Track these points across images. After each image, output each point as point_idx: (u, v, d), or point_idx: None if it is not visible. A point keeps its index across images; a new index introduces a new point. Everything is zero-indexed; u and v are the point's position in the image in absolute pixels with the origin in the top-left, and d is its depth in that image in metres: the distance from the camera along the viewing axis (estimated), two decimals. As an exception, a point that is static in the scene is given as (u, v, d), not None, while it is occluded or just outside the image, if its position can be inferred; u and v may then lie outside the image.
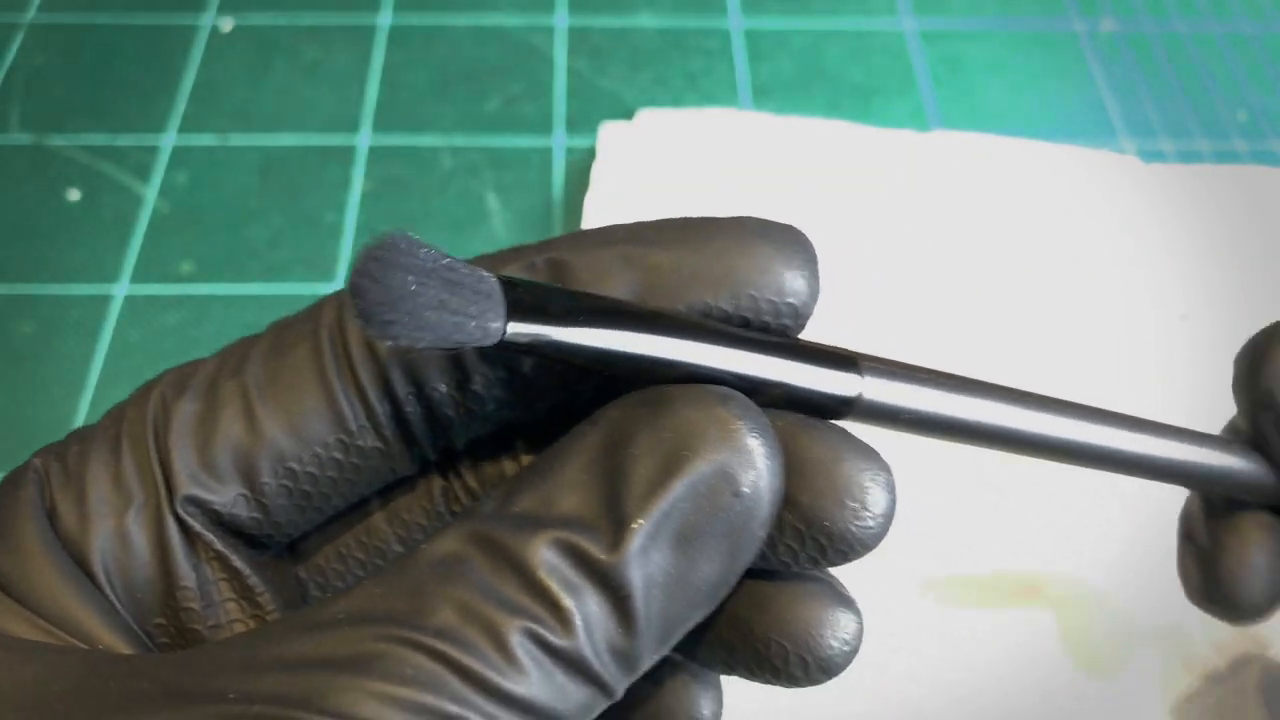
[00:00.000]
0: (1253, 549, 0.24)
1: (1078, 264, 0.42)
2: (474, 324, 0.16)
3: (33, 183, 0.45)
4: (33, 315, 0.41)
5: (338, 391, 0.18)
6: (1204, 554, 0.25)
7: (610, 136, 0.46)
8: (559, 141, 0.47)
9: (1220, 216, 0.44)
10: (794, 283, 0.19)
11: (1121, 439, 0.22)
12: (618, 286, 0.18)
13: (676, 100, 0.48)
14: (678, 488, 0.16)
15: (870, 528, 0.18)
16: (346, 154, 0.46)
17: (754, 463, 0.17)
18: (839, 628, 0.19)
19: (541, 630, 0.16)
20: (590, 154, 0.46)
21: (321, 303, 0.19)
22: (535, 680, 0.16)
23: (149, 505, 0.18)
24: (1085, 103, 0.50)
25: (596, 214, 0.43)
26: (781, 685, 0.19)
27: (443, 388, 0.19)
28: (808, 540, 0.18)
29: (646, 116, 0.46)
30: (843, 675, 0.19)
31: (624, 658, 0.16)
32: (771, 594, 0.19)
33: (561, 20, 0.52)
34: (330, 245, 0.43)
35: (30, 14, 0.52)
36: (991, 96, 0.50)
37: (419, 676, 0.15)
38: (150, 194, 0.45)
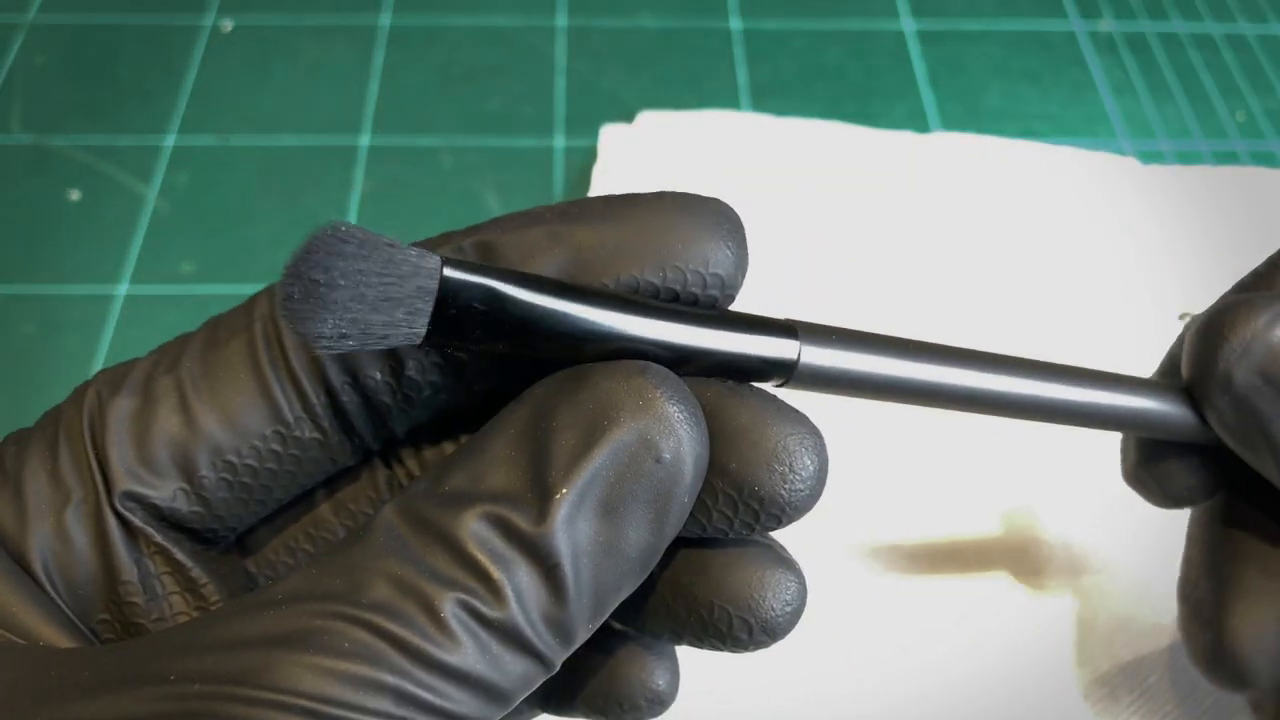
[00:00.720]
0: (1188, 456, 0.27)
1: (1077, 264, 0.42)
2: (400, 330, 0.17)
3: (34, 183, 0.45)
4: (34, 315, 0.41)
5: (273, 383, 0.19)
6: (1146, 444, 0.27)
7: (611, 138, 0.46)
8: (559, 142, 0.47)
9: (1219, 217, 0.44)
10: (718, 253, 0.19)
11: (1059, 390, 0.23)
12: (545, 265, 0.19)
13: (676, 100, 0.48)
14: (599, 457, 0.17)
15: (800, 490, 0.18)
16: (347, 154, 0.46)
17: (673, 429, 0.17)
18: (780, 589, 0.19)
19: (474, 601, 0.16)
20: (590, 154, 0.46)
21: (256, 297, 0.20)
22: (470, 650, 0.16)
23: (87, 502, 0.18)
24: (1084, 103, 0.50)
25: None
26: (728, 650, 0.19)
27: (378, 375, 0.19)
28: (740, 506, 0.18)
29: (647, 118, 0.46)
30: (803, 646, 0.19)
31: (558, 627, 0.17)
32: (712, 560, 0.19)
33: (562, 21, 0.52)
34: (331, 245, 0.43)
35: (31, 14, 0.52)
36: (991, 97, 0.50)
37: (356, 649, 0.15)
38: (151, 194, 0.45)
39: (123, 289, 0.42)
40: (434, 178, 0.46)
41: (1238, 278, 0.28)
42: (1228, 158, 0.48)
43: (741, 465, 0.18)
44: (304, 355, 0.19)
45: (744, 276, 0.19)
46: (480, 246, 0.19)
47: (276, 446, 0.19)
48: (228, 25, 0.52)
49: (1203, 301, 0.27)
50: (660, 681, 0.21)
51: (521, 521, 0.16)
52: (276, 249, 0.43)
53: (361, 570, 0.16)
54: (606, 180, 0.44)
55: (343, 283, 0.16)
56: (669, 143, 0.45)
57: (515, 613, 0.16)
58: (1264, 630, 0.26)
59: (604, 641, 0.21)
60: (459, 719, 0.16)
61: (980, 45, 0.52)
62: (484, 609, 0.16)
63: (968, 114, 0.49)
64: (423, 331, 0.17)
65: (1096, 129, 0.48)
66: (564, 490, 0.17)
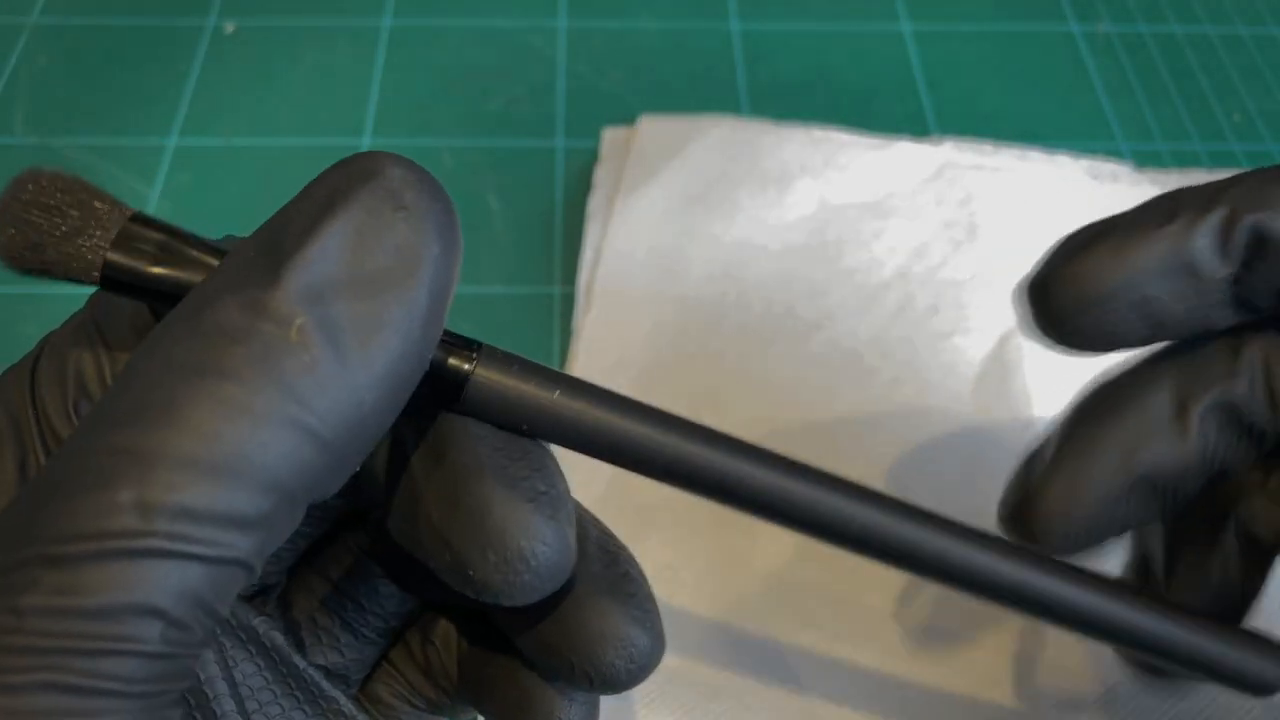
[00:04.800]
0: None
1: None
2: (79, 262, 0.18)
3: (36, 184, 0.45)
4: (34, 315, 0.41)
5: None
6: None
7: (612, 141, 0.46)
8: (559, 143, 0.47)
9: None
10: None
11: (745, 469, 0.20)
12: None
13: (677, 101, 0.49)
14: (338, 217, 0.16)
15: (514, 583, 0.17)
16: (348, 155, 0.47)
17: (412, 181, 0.17)
18: (623, 647, 0.19)
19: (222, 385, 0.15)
20: (590, 155, 0.46)
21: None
22: (206, 431, 0.15)
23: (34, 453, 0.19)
24: (1082, 104, 0.50)
25: (599, 216, 0.43)
26: (579, 691, 0.20)
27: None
28: (458, 578, 0.18)
29: (648, 122, 0.46)
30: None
31: (325, 392, 0.16)
32: (567, 606, 0.19)
33: (562, 22, 0.53)
34: (333, 246, 0.43)
35: (34, 16, 0.52)
36: (988, 98, 0.50)
37: (82, 472, 0.15)
38: (154, 195, 0.45)
39: (126, 289, 0.42)
40: (435, 178, 0.46)
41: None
42: (1224, 158, 0.48)
43: (460, 544, 0.17)
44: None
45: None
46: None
47: None
48: (230, 27, 0.52)
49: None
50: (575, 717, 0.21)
51: (255, 289, 0.16)
52: (279, 249, 0.43)
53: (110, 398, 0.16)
54: (609, 183, 0.44)
55: (45, 204, 0.18)
56: (670, 146, 0.45)
57: (257, 380, 0.15)
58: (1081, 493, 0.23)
59: (519, 676, 0.21)
60: (224, 518, 0.15)
61: (978, 47, 0.52)
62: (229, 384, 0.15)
63: (965, 115, 0.49)
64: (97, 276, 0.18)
65: (1094, 130, 0.49)
66: (298, 252, 0.16)
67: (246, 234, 0.17)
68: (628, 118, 0.47)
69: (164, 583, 0.15)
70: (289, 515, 0.16)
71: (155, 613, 0.15)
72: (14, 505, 0.16)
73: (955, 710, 0.32)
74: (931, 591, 0.34)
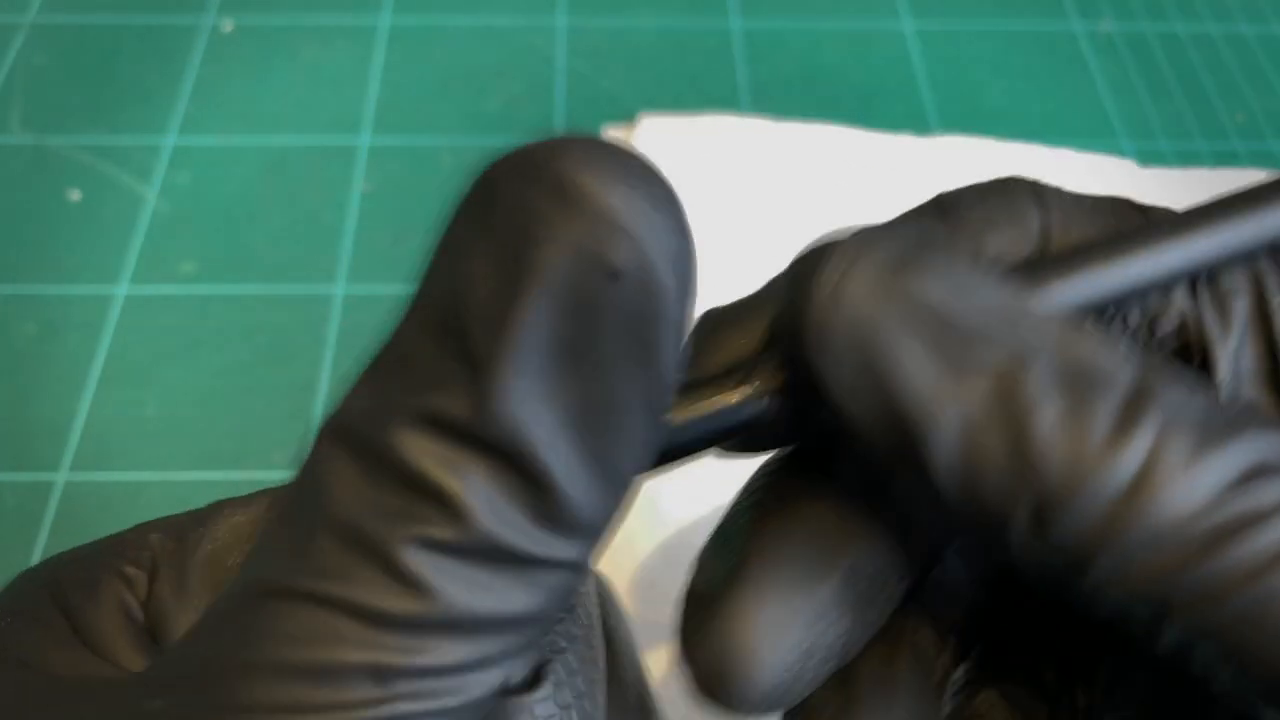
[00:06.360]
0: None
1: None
2: None
3: (34, 183, 0.45)
4: (34, 315, 0.41)
5: None
6: None
7: (612, 139, 0.46)
8: (559, 142, 0.47)
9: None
10: None
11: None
12: None
13: (676, 100, 0.48)
14: (530, 299, 0.12)
15: None
16: (347, 154, 0.46)
17: (619, 228, 0.12)
18: None
19: (431, 531, 0.13)
20: (590, 154, 0.46)
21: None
22: (447, 594, 0.13)
23: None
24: (1084, 103, 0.50)
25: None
26: None
27: None
28: None
29: (647, 120, 0.46)
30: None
31: (561, 522, 0.13)
32: None
33: (561, 21, 0.52)
34: (330, 245, 0.43)
35: (31, 14, 0.52)
36: (990, 97, 0.50)
37: (302, 632, 0.13)
38: (151, 194, 0.45)
39: (123, 289, 0.42)
40: (434, 178, 0.46)
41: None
42: (1227, 158, 0.48)
43: None
44: None
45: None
46: None
47: None
48: (228, 25, 0.52)
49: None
50: None
51: (456, 410, 0.13)
52: (277, 249, 0.43)
53: (305, 528, 0.13)
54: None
55: None
56: (670, 145, 0.45)
57: (487, 527, 0.13)
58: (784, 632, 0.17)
59: None
60: (472, 664, 0.13)
61: (980, 45, 0.52)
62: (444, 535, 0.13)
63: (967, 114, 0.49)
64: None
65: (1096, 129, 0.48)
66: (496, 356, 0.12)
67: (249, 233, 0.15)
68: (627, 116, 0.47)
69: None
70: (537, 635, 0.14)
71: None
72: (228, 656, 0.13)
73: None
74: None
